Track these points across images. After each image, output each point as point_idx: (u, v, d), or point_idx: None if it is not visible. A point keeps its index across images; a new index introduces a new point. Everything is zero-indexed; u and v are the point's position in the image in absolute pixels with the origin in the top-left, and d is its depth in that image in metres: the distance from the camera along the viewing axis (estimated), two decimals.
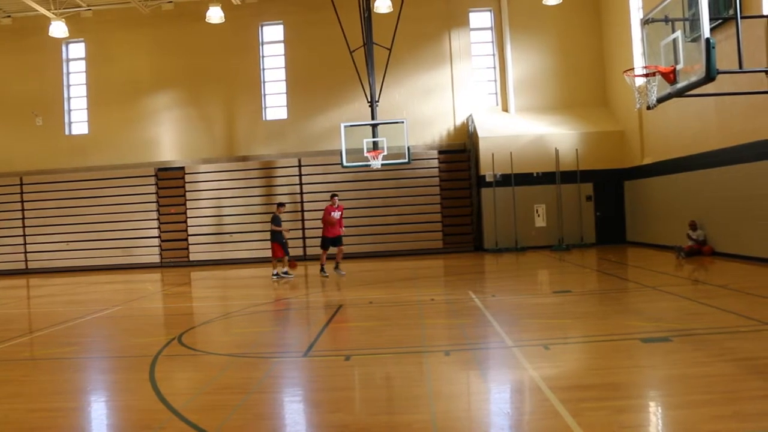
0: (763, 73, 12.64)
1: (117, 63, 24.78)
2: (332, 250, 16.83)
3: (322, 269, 16.60)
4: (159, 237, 23.97)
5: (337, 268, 16.65)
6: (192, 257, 23.72)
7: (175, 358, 7.75)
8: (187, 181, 23.95)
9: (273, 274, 16.70)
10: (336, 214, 16.49)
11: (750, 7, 14.46)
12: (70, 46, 25.53)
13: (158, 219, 24.00)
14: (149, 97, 24.85)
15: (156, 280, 19.11)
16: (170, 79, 24.74)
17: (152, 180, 24.07)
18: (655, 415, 5.14)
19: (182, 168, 24.15)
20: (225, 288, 16.89)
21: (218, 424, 5.09)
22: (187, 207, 23.88)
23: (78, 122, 25.47)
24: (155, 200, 24.02)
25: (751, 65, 13.11)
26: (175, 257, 23.78)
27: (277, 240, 16.59)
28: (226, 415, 5.33)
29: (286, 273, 16.71)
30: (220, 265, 22.84)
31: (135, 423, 5.40)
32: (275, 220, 16.73)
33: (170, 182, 24.06)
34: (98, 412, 5.94)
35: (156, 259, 23.89)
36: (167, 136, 24.89)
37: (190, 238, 23.82)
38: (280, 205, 17.34)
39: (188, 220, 23.84)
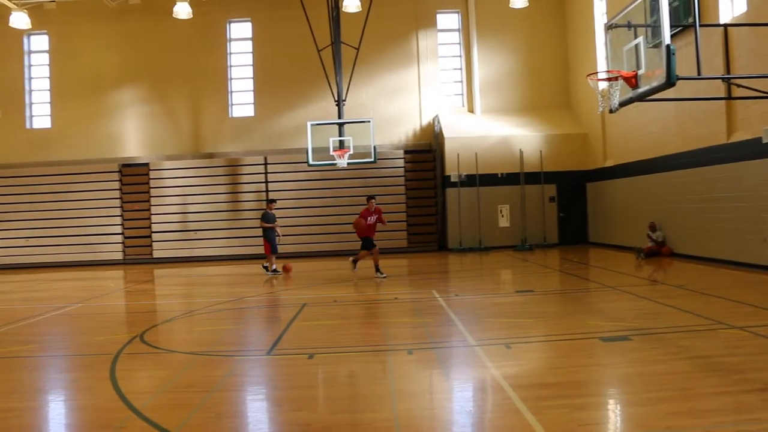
0: (720, 80, 12.97)
1: (81, 56, 24.34)
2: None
3: (377, 269, 15.18)
4: (122, 234, 23.64)
5: (377, 270, 15.12)
6: (156, 254, 23.46)
7: (136, 356, 7.66)
8: (151, 177, 23.65)
9: (264, 266, 16.92)
10: (371, 219, 15.46)
11: (708, 16, 14.80)
12: (33, 37, 24.98)
13: (122, 215, 23.67)
14: (114, 91, 24.45)
15: (118, 277, 18.84)
16: (136, 74, 24.37)
17: (116, 176, 23.72)
18: (613, 413, 5.24)
19: (147, 164, 23.84)
20: (189, 286, 16.72)
21: (179, 423, 5.05)
22: (152, 204, 23.60)
23: (40, 116, 24.95)
24: (119, 196, 23.68)
25: (709, 72, 13.41)
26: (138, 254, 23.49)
27: (267, 237, 16.58)
28: (188, 413, 5.29)
29: (274, 270, 16.65)
30: (185, 263, 22.62)
31: (93, 422, 5.33)
32: (265, 217, 16.71)
33: (134, 178, 23.73)
34: (55, 412, 5.85)
35: (119, 255, 23.55)
36: (132, 132, 24.54)
37: (153, 235, 23.55)
38: (270, 201, 17.31)
39: (152, 216, 23.57)
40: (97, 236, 23.55)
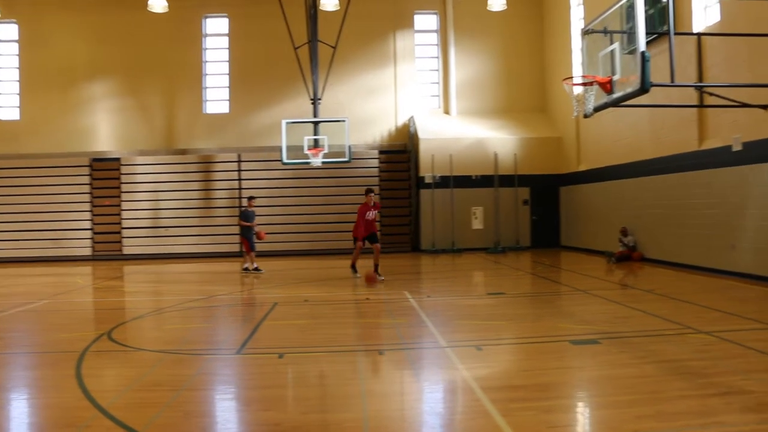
0: (693, 88, 13.14)
1: (52, 47, 23.91)
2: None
3: (353, 268, 14.91)
4: (92, 229, 23.31)
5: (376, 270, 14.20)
6: (126, 251, 23.17)
7: (103, 354, 7.54)
8: (122, 172, 23.36)
9: (244, 266, 16.71)
10: (370, 215, 14.48)
11: (682, 25, 14.99)
12: (1, 26, 24.49)
13: (91, 211, 23.34)
14: (86, 84, 24.09)
15: (87, 273, 18.58)
16: (108, 67, 24.02)
17: (86, 170, 23.39)
18: (582, 415, 5.26)
19: (118, 159, 23.54)
20: (159, 283, 16.55)
21: (146, 422, 4.97)
22: (122, 199, 23.31)
23: (8, 107, 24.49)
24: (89, 191, 23.34)
25: (683, 80, 13.59)
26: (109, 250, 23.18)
27: (245, 235, 16.45)
28: (155, 412, 5.21)
29: (256, 269, 16.50)
30: (155, 260, 22.38)
31: (57, 421, 5.22)
32: (244, 215, 16.59)
33: (105, 173, 23.42)
34: (18, 410, 5.71)
35: (88, 251, 23.23)
36: (103, 126, 24.18)
37: (124, 231, 23.26)
38: (250, 198, 17.12)
39: (123, 212, 23.28)
40: (66, 231, 23.20)
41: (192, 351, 7.68)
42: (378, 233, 14.89)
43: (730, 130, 13.55)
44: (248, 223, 16.54)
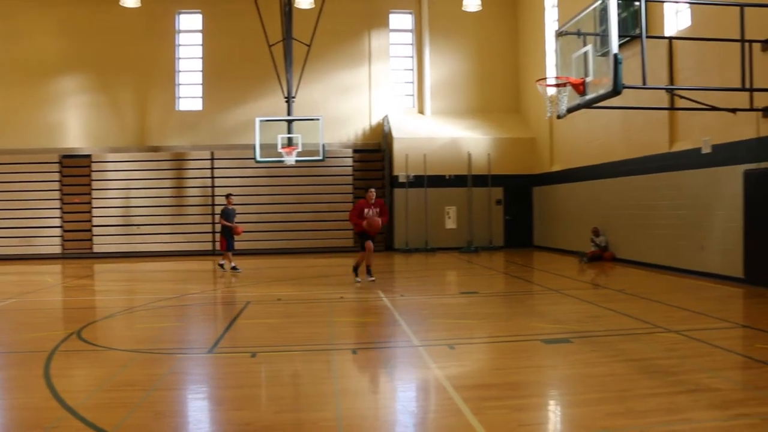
0: (664, 91, 13.32)
1: (22, 42, 23.44)
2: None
3: (368, 271, 13.75)
4: (61, 227, 22.98)
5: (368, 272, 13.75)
6: (96, 249, 22.87)
7: (73, 353, 7.44)
8: (93, 169, 23.05)
9: (220, 264, 16.58)
10: (369, 212, 13.32)
11: (654, 28, 15.18)
12: None
13: (61, 208, 23.00)
14: (56, 79, 23.69)
15: (56, 271, 18.32)
16: (80, 62, 23.64)
17: (56, 167, 23.04)
18: (553, 413, 5.31)
19: (89, 156, 23.22)
20: (130, 282, 16.36)
21: (116, 423, 4.90)
22: (93, 197, 23.00)
23: None
24: (58, 188, 23.00)
25: (654, 82, 13.75)
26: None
27: (223, 233, 16.31)
28: (126, 413, 5.15)
29: (234, 268, 16.36)
30: (126, 258, 22.13)
31: (25, 422, 5.12)
32: (224, 214, 16.45)
33: (75, 170, 23.09)
34: None
35: (57, 249, 22.88)
36: (74, 122, 23.83)
37: (94, 229, 22.96)
38: (228, 196, 16.93)
39: (93, 210, 22.97)
40: (35, 229, 22.82)
41: (164, 350, 7.61)
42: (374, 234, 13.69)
43: (699, 132, 13.76)
44: (229, 223, 16.35)
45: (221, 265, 16.50)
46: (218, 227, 18.11)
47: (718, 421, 4.75)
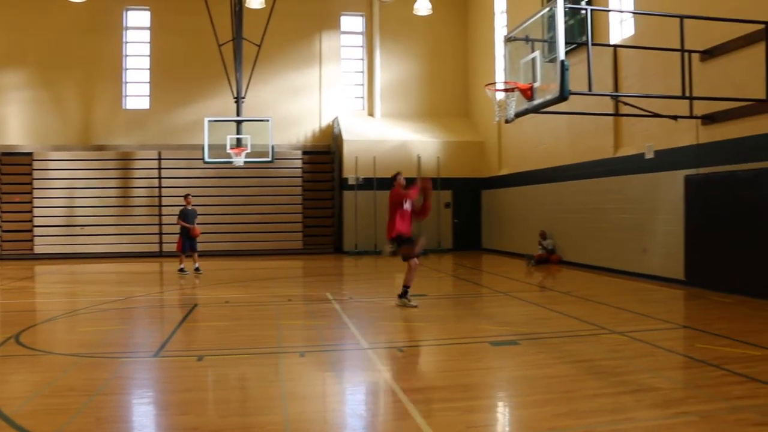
0: (609, 97, 13.62)
1: None
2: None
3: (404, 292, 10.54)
4: (0, 227, 22.28)
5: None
6: (37, 250, 22.20)
7: (10, 358, 7.19)
8: (34, 168, 22.37)
9: (179, 269, 16.29)
10: (407, 204, 10.69)
11: (599, 37, 15.54)
12: None
13: None
14: None
15: None
16: (20, 57, 22.86)
17: None
18: (501, 415, 5.36)
19: (30, 154, 22.52)
20: (73, 284, 15.90)
21: (55, 429, 4.75)
22: (34, 196, 22.32)
23: None
24: None
25: (600, 89, 14.03)
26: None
27: (181, 234, 15.97)
28: (66, 419, 4.99)
29: (181, 269, 16.07)
30: (69, 259, 21.54)
31: None
32: (182, 214, 16.17)
33: (15, 168, 22.36)
34: None
35: None
36: (14, 118, 23.05)
37: (35, 229, 22.28)
38: (186, 196, 16.58)
39: (35, 210, 22.29)
40: None
41: (107, 354, 7.42)
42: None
43: (643, 138, 14.11)
44: (188, 224, 16.05)
45: (181, 270, 16.21)
46: (165, 228, 17.78)
47: (660, 420, 4.86)
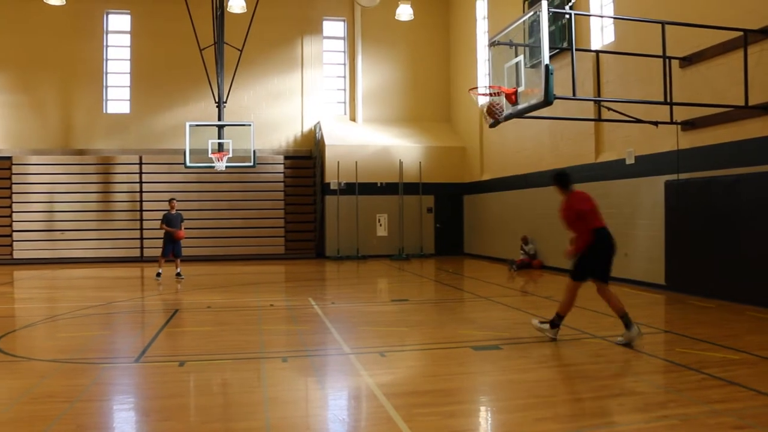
0: (591, 103, 13.71)
1: None
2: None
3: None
4: None
5: None
6: (17, 255, 21.92)
7: None
8: (14, 172, 22.10)
9: (156, 274, 16.11)
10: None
11: (581, 42, 15.63)
12: None
13: None
14: None
15: None
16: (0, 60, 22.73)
17: None
18: (483, 419, 5.35)
19: (9, 158, 22.25)
20: (53, 289, 15.70)
21: None
22: (14, 200, 22.05)
23: None
24: None
25: (581, 94, 14.15)
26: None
27: (164, 238, 15.83)
28: (45, 426, 4.91)
29: (158, 274, 15.89)
30: (49, 264, 21.29)
31: None
32: (164, 219, 16.03)
33: None
34: None
35: None
36: None
37: (15, 234, 22.00)
38: (171, 201, 16.42)
39: (14, 214, 22.01)
40: None
41: (88, 360, 7.33)
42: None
43: (624, 144, 14.21)
44: (171, 228, 15.90)
45: (157, 275, 16.04)
46: (146, 233, 17.64)
47: (641, 423, 4.87)
